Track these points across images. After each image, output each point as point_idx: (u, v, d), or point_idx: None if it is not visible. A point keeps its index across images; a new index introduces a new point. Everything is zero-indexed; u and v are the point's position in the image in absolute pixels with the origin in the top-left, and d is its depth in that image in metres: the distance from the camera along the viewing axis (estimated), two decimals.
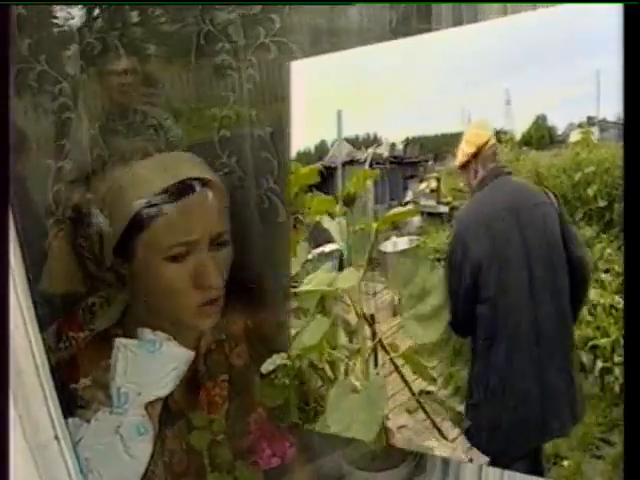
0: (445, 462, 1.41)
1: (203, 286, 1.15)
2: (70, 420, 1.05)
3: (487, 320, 1.03)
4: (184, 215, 1.13)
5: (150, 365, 1.13)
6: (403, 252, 1.15)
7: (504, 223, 1.02)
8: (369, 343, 1.14)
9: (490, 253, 1.02)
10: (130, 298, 1.27)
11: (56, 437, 0.97)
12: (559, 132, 0.92)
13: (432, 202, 1.14)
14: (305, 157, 1.16)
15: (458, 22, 1.20)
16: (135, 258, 1.15)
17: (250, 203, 1.38)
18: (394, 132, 1.07)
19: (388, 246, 1.17)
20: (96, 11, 1.34)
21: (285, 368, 1.23)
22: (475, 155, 1.03)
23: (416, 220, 1.13)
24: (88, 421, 1.11)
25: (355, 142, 1.11)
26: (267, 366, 1.25)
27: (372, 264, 1.13)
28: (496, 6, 1.09)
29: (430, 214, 1.13)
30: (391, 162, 1.11)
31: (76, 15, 1.33)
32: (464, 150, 1.05)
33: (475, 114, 0.97)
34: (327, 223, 1.16)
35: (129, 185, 1.16)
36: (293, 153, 1.17)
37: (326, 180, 1.15)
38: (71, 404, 1.09)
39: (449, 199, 1.11)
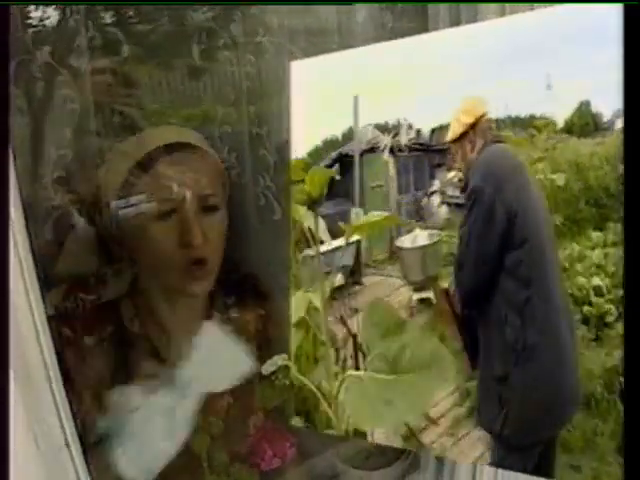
0: (439, 460, 1.38)
1: (187, 244, 1.13)
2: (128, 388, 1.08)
3: (524, 267, 0.93)
4: (167, 174, 1.13)
5: (223, 360, 1.16)
6: (423, 248, 1.06)
7: (526, 174, 0.96)
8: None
9: (523, 195, 0.94)
10: (137, 270, 1.25)
11: (67, 444, 0.93)
12: (605, 119, 0.85)
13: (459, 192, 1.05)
14: (332, 145, 1.06)
15: (456, 22, 1.19)
16: (128, 222, 1.15)
17: (248, 200, 1.38)
18: (425, 118, 0.97)
19: (406, 241, 1.06)
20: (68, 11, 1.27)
21: (286, 369, 1.16)
22: (473, 126, 0.96)
23: (443, 211, 1.04)
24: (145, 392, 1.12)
25: (384, 128, 1.02)
26: (268, 367, 1.19)
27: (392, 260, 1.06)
28: (494, 6, 1.07)
29: (458, 205, 1.04)
30: (417, 149, 1.02)
31: (52, 15, 1.26)
32: (462, 120, 0.97)
33: (512, 100, 0.89)
34: (308, 221, 1.07)
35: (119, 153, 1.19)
36: (318, 141, 1.06)
37: (347, 169, 1.06)
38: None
39: None
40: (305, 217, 1.06)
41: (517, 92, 0.86)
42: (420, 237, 1.06)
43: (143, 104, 1.35)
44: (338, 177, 1.08)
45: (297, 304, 1.10)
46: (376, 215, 1.06)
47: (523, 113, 0.88)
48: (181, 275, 1.17)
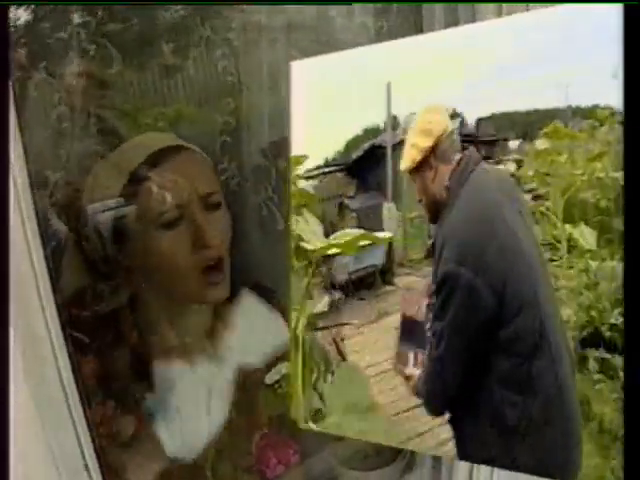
0: (436, 459, 1.36)
1: (202, 246, 1.10)
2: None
3: (522, 339, 0.78)
4: (165, 182, 1.09)
5: (261, 332, 1.13)
6: None
7: (513, 218, 0.80)
8: None
9: (513, 248, 0.78)
10: (137, 283, 1.20)
11: (86, 466, 0.90)
12: None
13: None
14: (373, 132, 0.95)
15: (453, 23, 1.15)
16: (130, 235, 1.11)
17: (250, 209, 1.38)
18: (478, 107, 0.85)
19: None
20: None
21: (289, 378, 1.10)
22: (433, 149, 0.82)
23: None
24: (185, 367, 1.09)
25: None
26: (272, 376, 1.21)
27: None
28: (492, 6, 1.02)
29: None
30: (463, 140, 0.92)
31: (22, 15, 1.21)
32: (419, 145, 0.82)
33: (575, 87, 0.80)
34: (302, 226, 0.98)
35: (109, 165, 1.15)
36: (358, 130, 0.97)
37: (380, 161, 0.97)
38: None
39: (534, 185, 0.86)
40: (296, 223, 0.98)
41: (580, 80, 0.78)
42: None
43: (121, 106, 1.31)
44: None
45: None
46: (350, 233, 0.96)
47: (585, 103, 0.80)
48: (198, 283, 1.12)
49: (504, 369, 0.79)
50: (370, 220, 0.99)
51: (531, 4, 0.87)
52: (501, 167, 0.89)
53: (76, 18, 1.22)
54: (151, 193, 1.08)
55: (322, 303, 1.01)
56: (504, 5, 0.99)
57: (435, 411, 0.87)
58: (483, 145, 0.91)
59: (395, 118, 0.90)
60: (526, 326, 0.78)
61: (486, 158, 0.90)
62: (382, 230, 0.97)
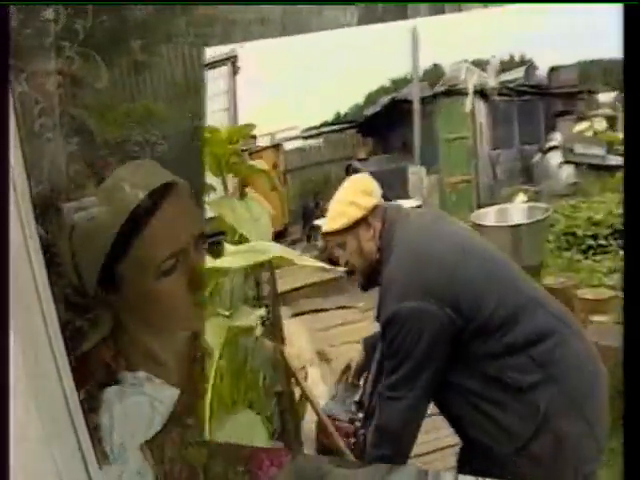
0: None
1: (198, 288, 1.07)
2: None
3: (495, 317, 0.80)
4: (163, 229, 1.04)
5: (138, 409, 1.08)
6: (516, 228, 0.74)
7: (448, 234, 0.84)
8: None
9: (460, 265, 0.82)
10: (118, 315, 1.14)
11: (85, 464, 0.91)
12: None
13: (597, 150, 0.69)
14: (405, 83, 0.80)
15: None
16: (122, 284, 1.06)
17: None
18: (554, 53, 0.65)
19: (488, 215, 0.78)
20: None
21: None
22: (375, 208, 0.86)
23: (566, 173, 0.73)
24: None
25: (485, 65, 0.72)
26: None
27: None
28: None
29: (592, 166, 0.73)
30: (526, 92, 0.70)
31: None
32: (361, 204, 0.85)
33: None
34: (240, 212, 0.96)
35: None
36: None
37: (405, 117, 0.77)
38: None
39: None
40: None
41: None
42: (515, 211, 0.76)
43: (94, 105, 1.22)
44: None
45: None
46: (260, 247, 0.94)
47: None
48: (191, 315, 1.09)
49: (489, 347, 0.81)
50: (390, 186, 0.83)
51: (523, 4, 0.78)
52: (585, 124, 0.68)
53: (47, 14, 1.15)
54: (154, 242, 1.03)
55: (251, 317, 0.98)
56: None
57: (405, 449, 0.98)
58: (558, 98, 0.70)
59: (437, 67, 0.74)
60: (492, 309, 0.80)
61: (563, 113, 0.70)
62: (407, 197, 0.85)
